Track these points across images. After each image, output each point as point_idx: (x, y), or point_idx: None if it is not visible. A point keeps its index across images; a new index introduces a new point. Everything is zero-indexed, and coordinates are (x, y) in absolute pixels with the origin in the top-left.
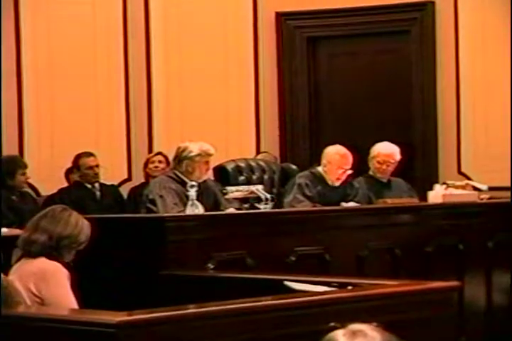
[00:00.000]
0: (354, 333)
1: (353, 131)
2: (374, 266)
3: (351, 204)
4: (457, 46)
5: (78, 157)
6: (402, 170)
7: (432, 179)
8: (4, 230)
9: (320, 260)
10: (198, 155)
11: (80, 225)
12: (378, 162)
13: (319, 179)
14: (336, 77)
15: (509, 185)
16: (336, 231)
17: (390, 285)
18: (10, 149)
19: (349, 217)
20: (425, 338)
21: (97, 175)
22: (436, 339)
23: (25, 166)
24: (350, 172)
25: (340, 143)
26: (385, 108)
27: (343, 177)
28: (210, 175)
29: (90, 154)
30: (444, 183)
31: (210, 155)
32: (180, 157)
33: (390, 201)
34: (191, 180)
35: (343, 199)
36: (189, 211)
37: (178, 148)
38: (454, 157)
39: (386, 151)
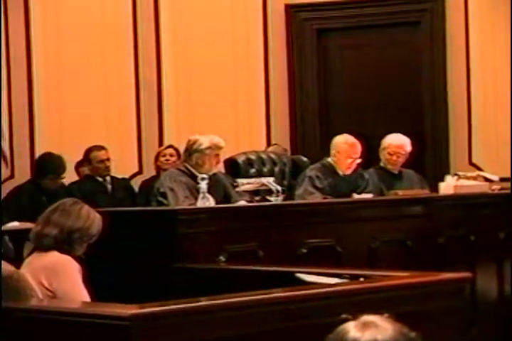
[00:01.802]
0: (365, 324)
1: (363, 122)
2: (386, 257)
3: (364, 195)
4: (467, 37)
5: (89, 150)
6: (413, 161)
7: (443, 170)
8: (16, 224)
9: (331, 252)
10: (209, 148)
11: (91, 218)
12: (389, 153)
13: (330, 170)
14: (345, 69)
15: None
16: (347, 223)
17: (402, 277)
18: (20, 144)
19: (360, 208)
20: (437, 329)
21: (108, 168)
22: (448, 331)
23: (65, 169)
24: (359, 161)
25: (350, 135)
26: (395, 99)
27: (353, 167)
28: (220, 167)
29: (102, 148)
30: (455, 174)
31: (220, 148)
32: (191, 150)
33: (401, 192)
34: (201, 173)
35: (353, 190)
36: (200, 204)
37: (189, 140)
38: (465, 148)
39: (397, 142)
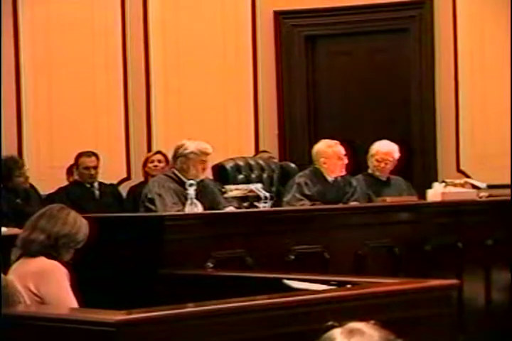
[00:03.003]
0: (351, 331)
1: (351, 129)
2: (373, 264)
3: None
4: (456, 44)
5: (79, 156)
6: (401, 168)
7: (430, 177)
8: (3, 229)
9: (319, 258)
10: (192, 152)
11: (78, 224)
12: (377, 160)
13: (319, 176)
14: (334, 76)
15: (508, 182)
16: (335, 229)
17: (389, 284)
18: (9, 148)
19: (348, 215)
20: (424, 336)
21: (92, 176)
22: (435, 338)
23: (21, 166)
24: (346, 161)
25: (338, 141)
26: (383, 106)
27: (343, 168)
28: (208, 173)
29: (92, 154)
30: (443, 181)
31: (206, 154)
32: (177, 154)
33: (389, 199)
34: (189, 179)
35: (342, 197)
36: (188, 210)
37: (176, 145)
38: (452, 155)
39: (385, 149)
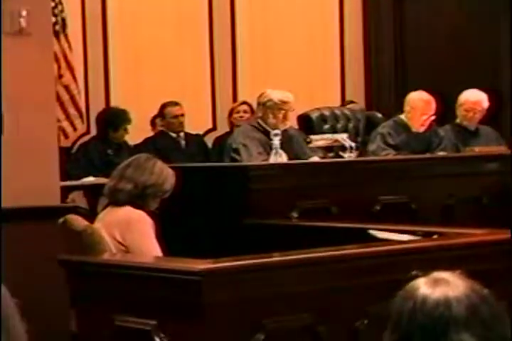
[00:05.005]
0: (436, 281)
1: (439, 78)
2: (461, 215)
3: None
4: None
5: (164, 106)
6: (491, 118)
7: None
8: (91, 179)
9: (405, 209)
10: (271, 101)
11: (164, 174)
12: (466, 110)
13: (403, 127)
14: (422, 24)
15: None
16: (421, 180)
17: (476, 234)
18: (97, 99)
19: (435, 165)
20: (510, 288)
21: (181, 124)
22: None
23: (129, 122)
24: (433, 117)
25: (426, 91)
26: (472, 55)
27: (427, 123)
28: (294, 123)
29: (176, 103)
30: None
31: (285, 102)
32: (258, 102)
33: (477, 149)
34: (274, 129)
35: (427, 147)
36: (273, 160)
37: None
38: None
39: (473, 99)
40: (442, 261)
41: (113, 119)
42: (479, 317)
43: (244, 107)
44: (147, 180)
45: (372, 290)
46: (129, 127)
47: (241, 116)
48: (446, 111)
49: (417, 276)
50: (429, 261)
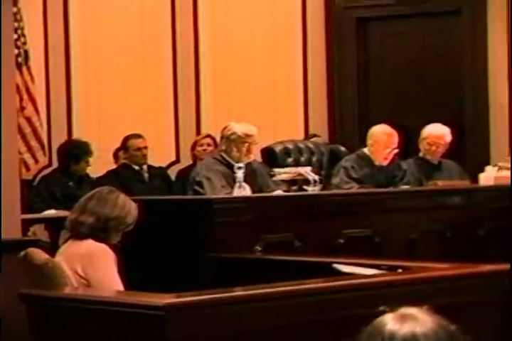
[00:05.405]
0: (404, 317)
1: (402, 112)
2: (425, 249)
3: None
4: (510, 25)
5: (127, 138)
6: (453, 151)
7: (483, 161)
8: (52, 212)
9: (369, 242)
10: (235, 134)
11: (127, 207)
12: (428, 143)
13: (366, 160)
14: (385, 58)
15: None
16: (385, 213)
17: (441, 269)
18: (59, 132)
19: (399, 199)
20: (477, 322)
21: (145, 156)
22: (487, 323)
23: (91, 154)
24: (396, 151)
25: (389, 124)
26: (435, 89)
27: (390, 157)
28: (258, 157)
29: (139, 136)
30: (495, 165)
31: (249, 136)
32: (222, 136)
33: (440, 183)
34: (237, 162)
35: (391, 181)
36: (236, 193)
37: (223, 127)
38: (505, 138)
39: (437, 133)
40: (408, 295)
41: (74, 151)
42: None
43: (208, 140)
44: (110, 213)
45: (337, 325)
46: (91, 159)
47: (204, 149)
48: (408, 144)
49: (384, 312)
50: (394, 295)
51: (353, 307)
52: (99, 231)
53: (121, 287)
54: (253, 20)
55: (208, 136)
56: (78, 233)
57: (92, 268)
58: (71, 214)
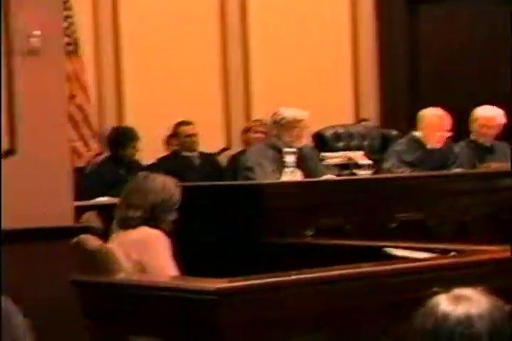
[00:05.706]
0: (458, 298)
1: (453, 95)
2: (478, 232)
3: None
4: None
5: (177, 125)
6: (508, 133)
7: None
8: (104, 199)
9: (421, 226)
10: (284, 118)
11: (167, 187)
12: (479, 125)
13: (417, 144)
14: (436, 41)
15: None
16: (437, 197)
17: (494, 251)
18: (110, 120)
19: (451, 182)
20: None
21: (195, 143)
22: None
23: (137, 139)
24: (449, 134)
25: (441, 107)
26: (487, 71)
27: (443, 140)
28: (309, 141)
29: (189, 123)
30: None
31: (299, 120)
32: (273, 121)
33: (494, 165)
34: (289, 147)
35: (442, 164)
36: (287, 178)
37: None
38: None
39: (487, 115)
40: (461, 278)
41: (120, 138)
42: (502, 334)
43: (258, 125)
44: (155, 199)
45: (389, 308)
46: (142, 146)
47: (255, 134)
48: (460, 127)
49: (437, 293)
50: (447, 278)
51: (406, 290)
52: (150, 221)
53: (176, 272)
54: (302, 5)
55: (258, 120)
56: (131, 226)
57: (147, 253)
58: (117, 211)
